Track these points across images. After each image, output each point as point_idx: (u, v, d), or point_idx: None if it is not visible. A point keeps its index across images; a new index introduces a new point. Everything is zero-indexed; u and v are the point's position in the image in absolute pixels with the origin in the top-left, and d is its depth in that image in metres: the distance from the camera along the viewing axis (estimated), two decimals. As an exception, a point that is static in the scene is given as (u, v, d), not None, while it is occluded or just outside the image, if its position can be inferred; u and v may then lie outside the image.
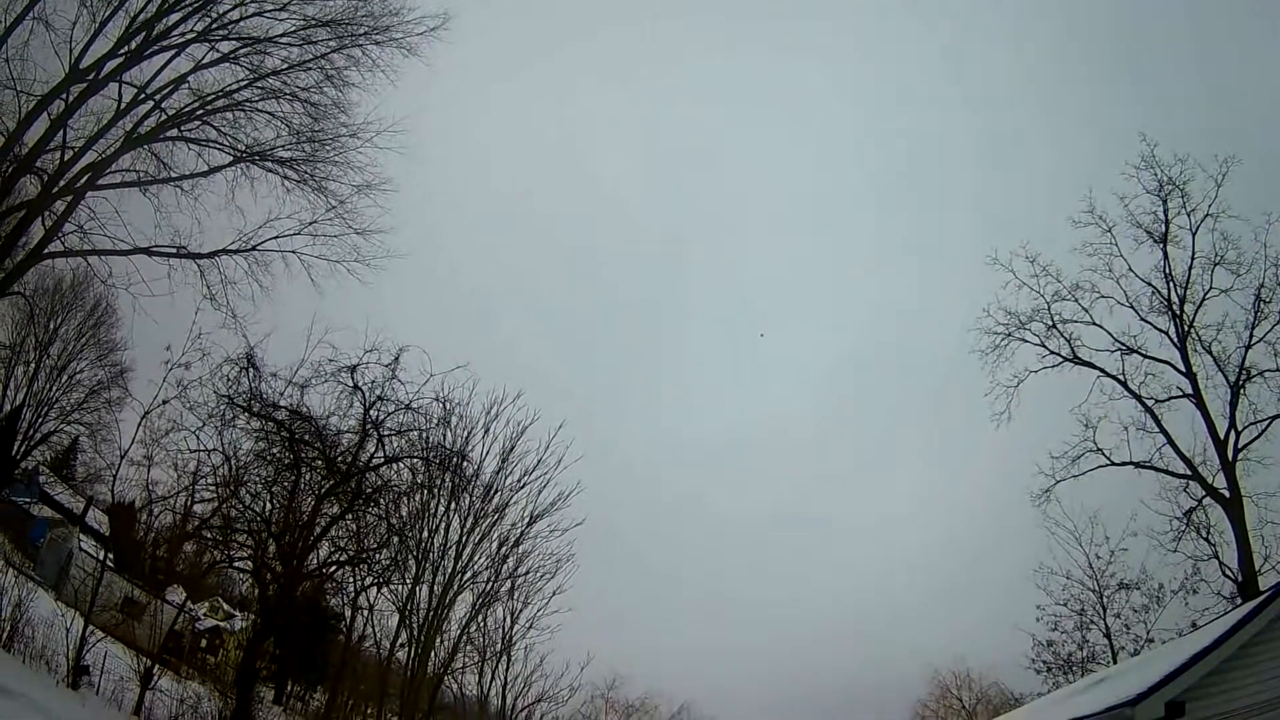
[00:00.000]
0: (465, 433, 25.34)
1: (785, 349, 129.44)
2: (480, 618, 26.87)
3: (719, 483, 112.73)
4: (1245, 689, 10.24)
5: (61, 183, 19.71)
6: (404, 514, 21.21)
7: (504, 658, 27.97)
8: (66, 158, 19.79)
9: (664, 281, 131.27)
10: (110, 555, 23.53)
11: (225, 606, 35.78)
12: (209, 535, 18.78)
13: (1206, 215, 25.67)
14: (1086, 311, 27.23)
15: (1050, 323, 27.49)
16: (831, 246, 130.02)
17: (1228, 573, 24.37)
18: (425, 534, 24.20)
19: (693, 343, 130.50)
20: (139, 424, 16.98)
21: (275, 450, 17.75)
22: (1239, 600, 22.02)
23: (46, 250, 20.62)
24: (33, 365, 40.17)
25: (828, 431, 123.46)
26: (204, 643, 31.20)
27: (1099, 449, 26.47)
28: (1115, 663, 26.55)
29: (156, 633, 19.60)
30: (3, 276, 20.13)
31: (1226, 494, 24.30)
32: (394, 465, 19.22)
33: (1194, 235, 25.87)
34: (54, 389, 41.04)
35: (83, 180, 20.07)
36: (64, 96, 19.24)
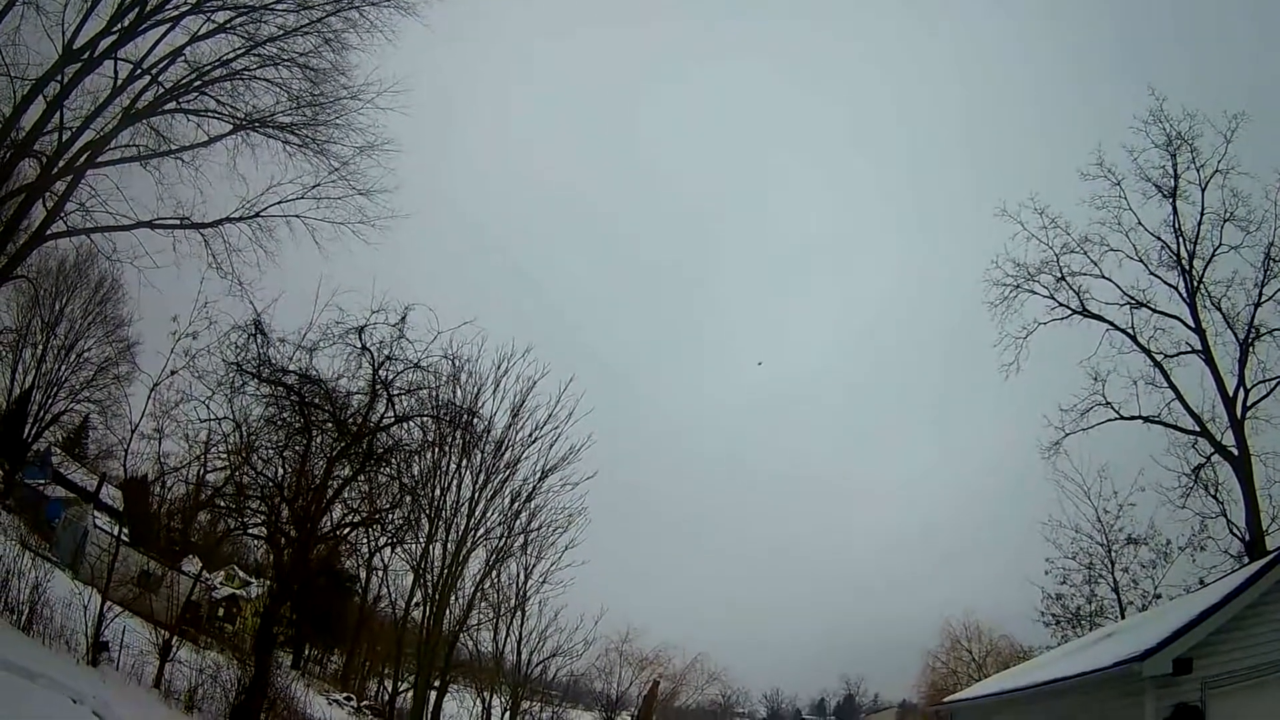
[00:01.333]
0: (475, 389, 25.41)
1: (818, 313, 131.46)
2: (494, 574, 27.03)
3: (749, 442, 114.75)
4: (1254, 648, 10.29)
5: (61, 163, 19.61)
6: (416, 473, 21.17)
7: (518, 613, 28.17)
8: (65, 138, 19.65)
9: (698, 247, 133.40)
10: (125, 530, 23.66)
11: (241, 574, 36.17)
12: (222, 503, 18.85)
13: (1216, 171, 25.50)
14: (1095, 265, 27.22)
15: (1059, 275, 27.51)
16: (862, 212, 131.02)
17: (1235, 531, 24.55)
18: (438, 492, 24.34)
19: (728, 308, 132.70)
20: (148, 397, 16.88)
21: (285, 415, 17.65)
22: (1246, 559, 22.15)
23: (49, 231, 20.63)
24: (40, 347, 40.24)
25: (855, 393, 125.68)
26: (221, 611, 31.60)
27: (1108, 402, 26.62)
28: (1123, 618, 26.80)
29: (174, 604, 19.69)
30: (5, 261, 20.10)
31: (1235, 452, 24.36)
32: (405, 424, 19.13)
33: (1203, 191, 25.73)
34: (62, 369, 41.12)
35: (82, 159, 19.97)
36: (59, 78, 19.08)
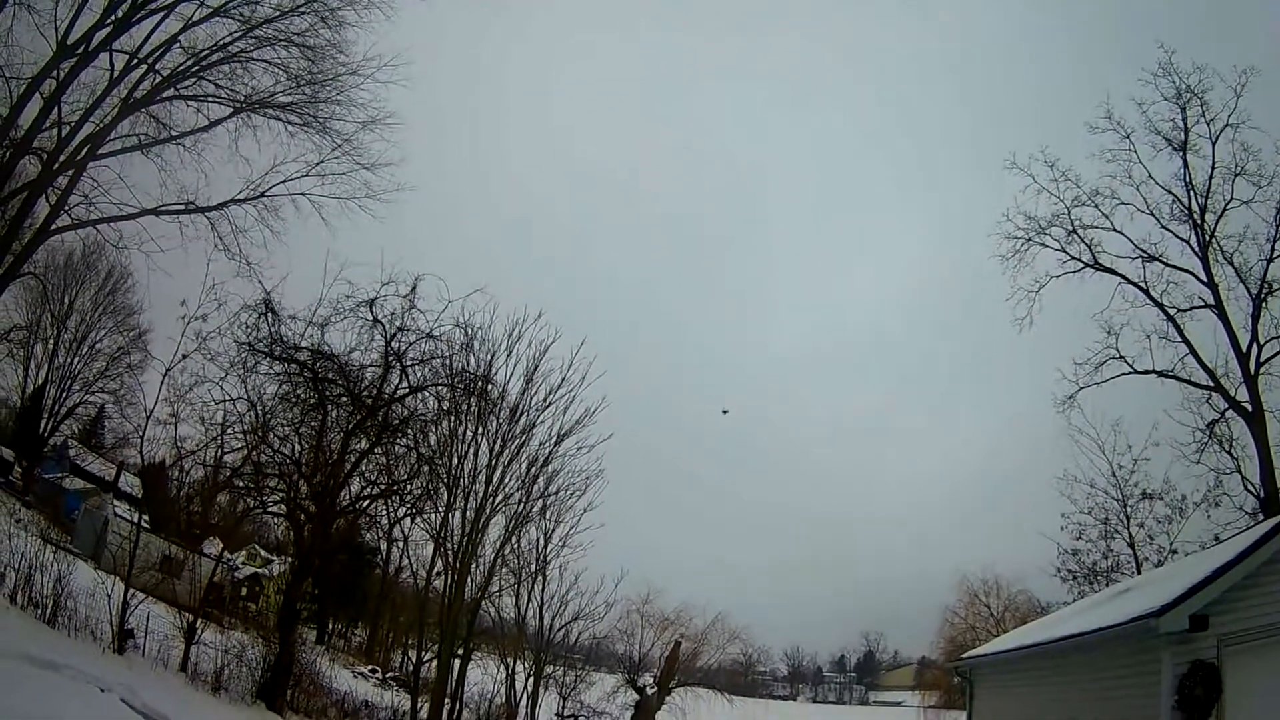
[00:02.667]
0: (488, 356, 25.34)
1: (858, 276, 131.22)
2: (514, 540, 27.07)
3: (776, 401, 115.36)
4: (1270, 605, 10.29)
5: (61, 158, 19.69)
6: (432, 442, 21.18)
7: (539, 578, 28.33)
8: (64, 134, 19.74)
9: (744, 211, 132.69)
10: (145, 517, 23.91)
11: (262, 553, 36.53)
12: (241, 484, 19.02)
13: (1226, 125, 25.05)
14: (1107, 218, 26.85)
15: (1070, 228, 27.16)
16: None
17: (1250, 488, 24.42)
18: (454, 460, 24.36)
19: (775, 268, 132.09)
20: (162, 382, 16.85)
21: (300, 392, 17.81)
22: (1261, 516, 22.11)
23: (54, 226, 20.77)
24: (51, 341, 40.57)
25: (888, 351, 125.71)
26: (244, 591, 31.97)
27: (1121, 356, 26.39)
28: (1139, 573, 26.87)
29: (196, 587, 19.93)
30: (12, 260, 20.20)
31: (1249, 408, 24.16)
32: (419, 394, 19.24)
33: (1214, 144, 25.29)
34: (75, 362, 41.53)
35: (83, 153, 20.03)
36: (54, 75, 19.06)
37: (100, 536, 26.31)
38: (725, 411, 42.35)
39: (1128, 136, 26.27)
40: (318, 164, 22.65)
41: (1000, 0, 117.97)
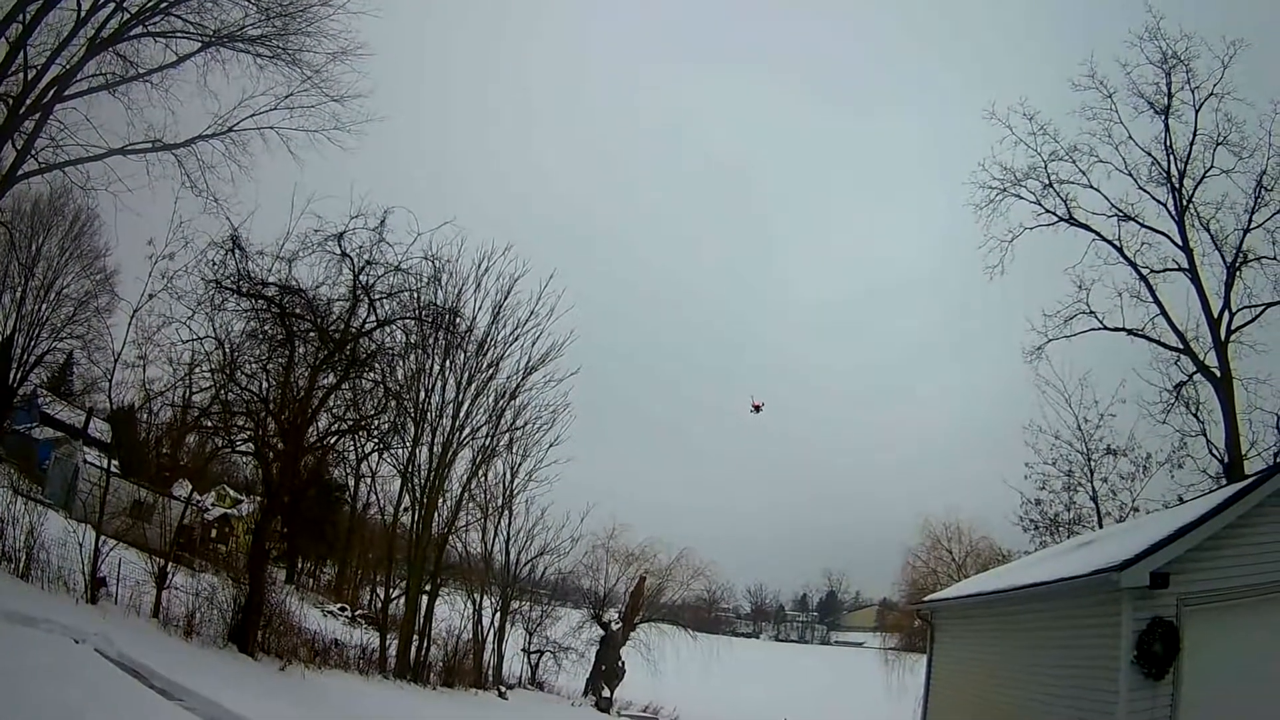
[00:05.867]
0: (457, 290, 25.30)
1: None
2: (480, 474, 27.32)
3: (747, 339, 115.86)
4: (1230, 569, 10.48)
5: (28, 102, 19.27)
6: (400, 377, 21.20)
7: (505, 512, 28.57)
8: (30, 77, 19.30)
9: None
10: (115, 462, 23.61)
11: (232, 493, 36.34)
12: (209, 423, 18.89)
13: (1211, 94, 24.99)
14: (1084, 174, 26.94)
15: (1046, 181, 27.23)
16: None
17: (1215, 452, 24.81)
18: (422, 395, 24.43)
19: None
20: (129, 324, 16.77)
21: (267, 328, 17.52)
22: (1224, 481, 22.51)
23: (21, 172, 20.36)
24: (19, 290, 39.43)
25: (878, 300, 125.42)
26: (214, 532, 31.82)
27: (1091, 311, 26.62)
28: (1101, 527, 27.49)
29: (166, 530, 19.82)
30: (-21, 208, 19.69)
31: (1217, 373, 24.54)
32: (387, 328, 19.01)
33: (1197, 112, 25.27)
34: (43, 309, 40.38)
35: (49, 96, 19.65)
36: (20, 19, 18.52)
37: (71, 484, 26.03)
38: (757, 409, 38.30)
39: (1110, 96, 26.27)
40: (287, 96, 22.48)
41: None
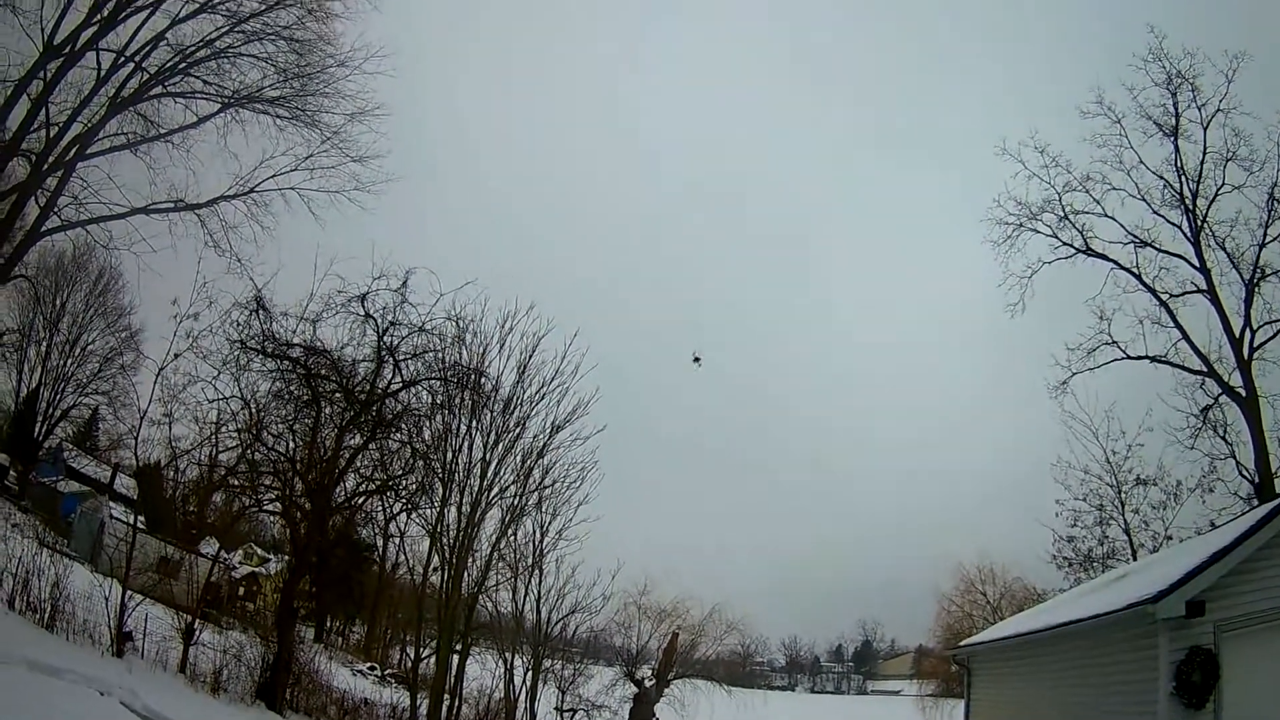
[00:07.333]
0: (481, 349, 25.29)
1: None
2: (510, 533, 26.93)
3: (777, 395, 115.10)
4: (1266, 591, 10.34)
5: (50, 159, 19.58)
6: (426, 437, 21.12)
7: (536, 571, 28.24)
8: (52, 134, 19.62)
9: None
10: (141, 518, 23.81)
11: (259, 551, 36.49)
12: (236, 482, 18.95)
13: (1218, 110, 25.11)
14: (1098, 203, 26.98)
15: (1062, 214, 27.27)
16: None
17: (1245, 473, 24.47)
18: (449, 455, 24.32)
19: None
20: (154, 382, 16.69)
21: (293, 388, 17.72)
22: (1256, 501, 22.20)
23: (44, 228, 20.66)
24: (44, 344, 40.33)
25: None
26: (241, 590, 31.87)
27: (1114, 342, 26.48)
28: (1135, 559, 26.96)
29: (194, 587, 19.84)
30: (3, 263, 20.18)
31: (1243, 393, 24.29)
32: (412, 389, 19.15)
33: (1205, 130, 25.36)
34: (68, 364, 41.22)
35: (71, 153, 19.93)
36: (41, 76, 18.95)
37: (97, 538, 26.23)
38: (697, 359, 38.11)
39: (1118, 121, 26.39)
40: (307, 158, 22.69)
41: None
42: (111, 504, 31.21)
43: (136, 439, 18.55)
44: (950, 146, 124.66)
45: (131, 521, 20.20)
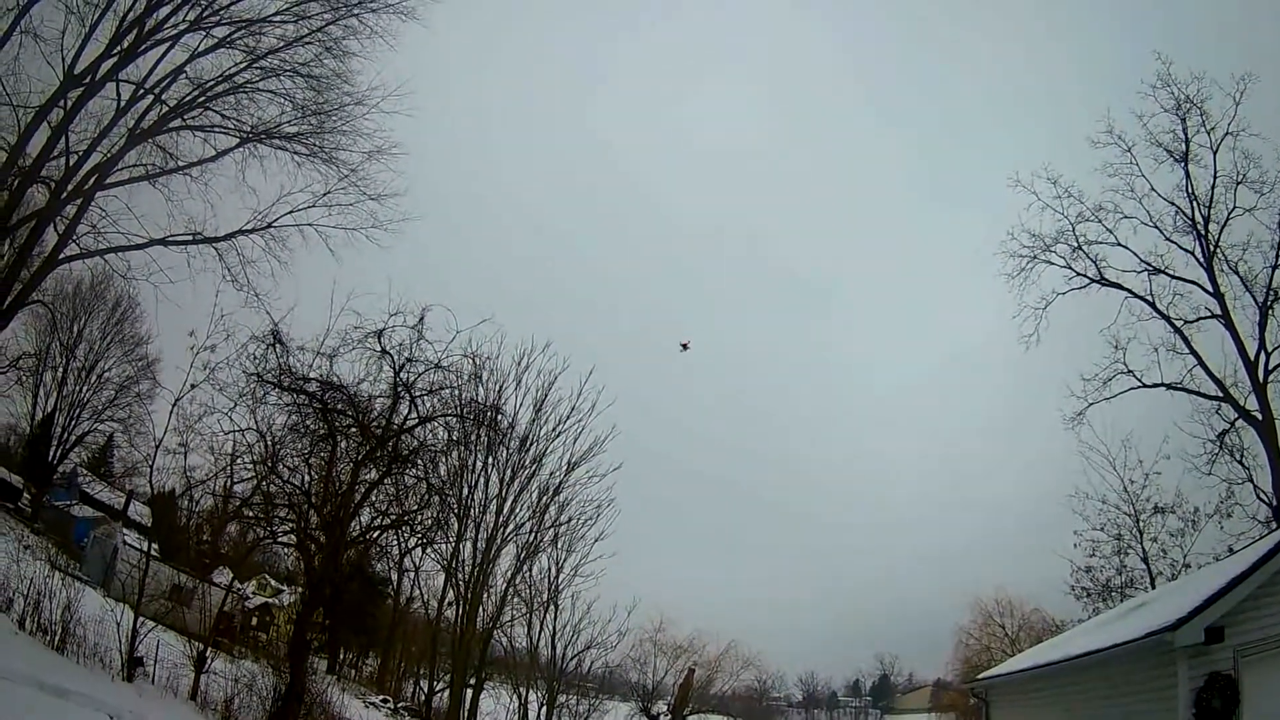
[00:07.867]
0: (497, 386, 25.55)
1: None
2: (525, 569, 27.13)
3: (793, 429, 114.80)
4: None
5: (69, 187, 19.77)
6: (442, 473, 21.18)
7: (551, 607, 28.25)
8: (71, 163, 19.80)
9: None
10: (154, 545, 23.91)
11: (273, 583, 36.45)
12: (250, 514, 19.00)
13: (1226, 134, 25.22)
14: (1111, 232, 27.07)
15: (1075, 244, 27.40)
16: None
17: (1263, 497, 24.27)
18: (465, 491, 24.42)
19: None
20: (170, 412, 16.90)
21: (309, 422, 17.80)
22: (1274, 525, 22.03)
23: (62, 255, 20.75)
24: (60, 370, 40.69)
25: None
26: (254, 620, 31.79)
27: (1129, 370, 26.49)
28: (1154, 588, 26.60)
29: (206, 616, 19.85)
30: (21, 288, 20.31)
31: (1259, 416, 24.11)
32: (428, 425, 19.21)
33: (1215, 154, 25.46)
34: (84, 390, 41.50)
35: (90, 182, 20.12)
36: (61, 104, 19.21)
37: (109, 564, 26.30)
38: (685, 347, 38.10)
39: (1129, 150, 26.57)
40: (325, 194, 22.69)
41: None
42: (125, 530, 31.32)
43: (151, 467, 18.63)
44: (972, 185, 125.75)
45: (145, 548, 20.23)
